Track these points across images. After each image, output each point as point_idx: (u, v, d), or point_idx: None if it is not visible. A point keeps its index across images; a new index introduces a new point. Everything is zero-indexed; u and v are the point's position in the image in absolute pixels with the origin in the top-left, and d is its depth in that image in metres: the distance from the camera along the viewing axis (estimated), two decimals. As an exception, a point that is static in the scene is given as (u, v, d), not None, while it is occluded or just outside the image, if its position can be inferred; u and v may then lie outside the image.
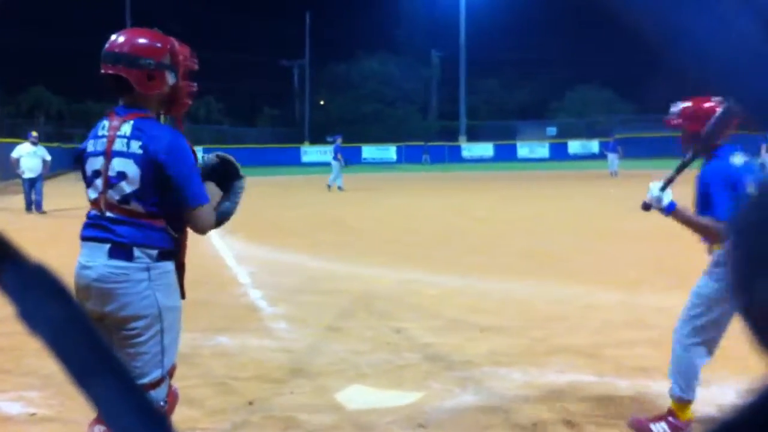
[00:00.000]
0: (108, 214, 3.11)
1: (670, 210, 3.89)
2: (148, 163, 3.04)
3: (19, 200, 19.35)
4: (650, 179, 4.16)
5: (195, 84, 3.30)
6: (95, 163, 3.16)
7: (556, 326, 6.43)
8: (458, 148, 54.74)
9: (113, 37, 3.14)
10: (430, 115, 69.42)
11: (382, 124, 63.06)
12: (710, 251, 4.02)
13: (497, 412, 4.44)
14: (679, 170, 3.89)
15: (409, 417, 4.32)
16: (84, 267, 3.09)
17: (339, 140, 26.64)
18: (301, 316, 6.93)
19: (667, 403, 4.21)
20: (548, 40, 69.24)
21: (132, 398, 0.42)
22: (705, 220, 3.81)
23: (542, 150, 55.56)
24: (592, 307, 7.05)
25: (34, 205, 17.66)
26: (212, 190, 3.29)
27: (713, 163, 3.92)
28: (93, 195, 3.17)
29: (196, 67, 3.27)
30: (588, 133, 58.74)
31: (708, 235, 3.86)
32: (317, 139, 57.84)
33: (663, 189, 3.91)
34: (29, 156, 17.84)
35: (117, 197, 3.08)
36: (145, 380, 3.13)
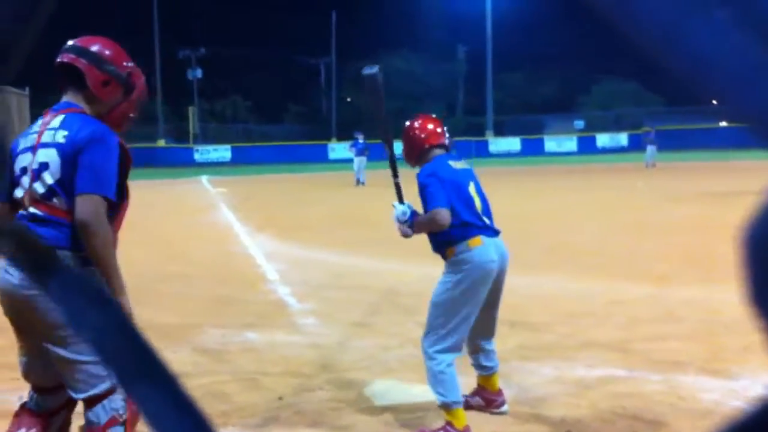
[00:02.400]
0: (32, 210, 2.94)
1: (413, 218, 4.18)
2: (69, 152, 2.92)
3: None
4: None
5: (135, 114, 3.24)
6: (23, 160, 3.01)
7: (583, 321, 6.40)
8: (485, 143, 54.45)
9: (82, 38, 3.12)
10: (457, 110, 69.13)
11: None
12: (445, 258, 4.13)
13: (526, 406, 4.45)
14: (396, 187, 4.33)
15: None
16: (6, 271, 2.90)
17: (360, 137, 26.84)
18: (328, 312, 6.98)
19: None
20: (573, 33, 68.56)
21: (175, 401, 0.43)
22: (429, 215, 4.06)
23: (570, 144, 55.11)
24: (619, 302, 7.01)
25: None
26: None
27: (423, 168, 4.27)
28: (19, 193, 2.99)
29: (145, 99, 3.24)
30: (616, 126, 58.18)
31: (433, 225, 4.05)
32: (344, 135, 57.88)
33: (401, 202, 4.26)
34: None
35: (41, 191, 2.93)
36: (93, 392, 2.97)
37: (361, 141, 26.73)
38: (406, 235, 4.29)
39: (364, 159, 26.03)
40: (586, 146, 53.60)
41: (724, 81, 0.35)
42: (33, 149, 3.00)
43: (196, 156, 51.14)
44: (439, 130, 4.40)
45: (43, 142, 2.98)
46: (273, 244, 11.77)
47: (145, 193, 24.90)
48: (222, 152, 52.23)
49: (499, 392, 4.43)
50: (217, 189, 26.23)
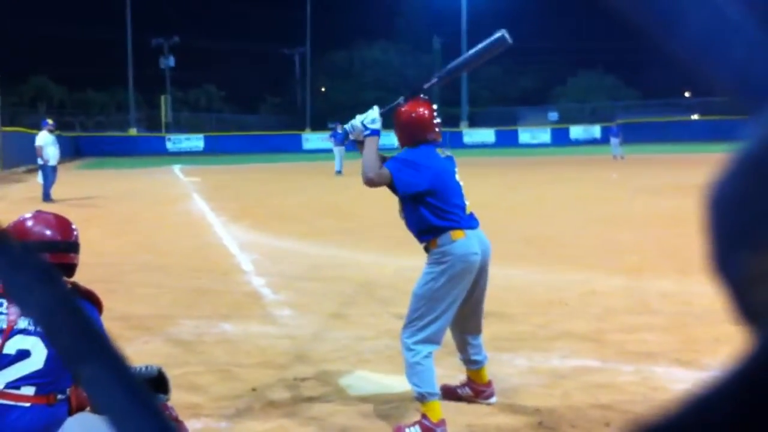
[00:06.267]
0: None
1: (375, 134, 4.07)
2: None
3: (20, 189, 19.31)
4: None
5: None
6: None
7: (558, 312, 6.43)
8: (460, 134, 54.59)
9: (45, 228, 3.02)
10: (432, 101, 69.24)
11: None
12: (428, 249, 4.07)
13: (500, 397, 4.45)
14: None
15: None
16: None
17: (339, 127, 27.02)
18: (304, 303, 6.94)
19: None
20: (550, 26, 69.00)
21: (120, 380, 0.42)
22: (379, 164, 4.01)
23: (544, 135, 55.44)
24: (593, 293, 7.05)
25: (43, 193, 17.37)
26: None
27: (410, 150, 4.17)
28: None
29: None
30: (590, 119, 58.66)
31: (369, 164, 3.96)
32: (319, 126, 57.74)
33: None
34: (52, 144, 17.90)
35: (8, 379, 2.71)
36: None
37: (339, 131, 26.81)
38: (354, 136, 4.18)
39: (343, 148, 26.05)
40: (560, 138, 53.98)
41: (720, 58, 0.35)
42: (2, 333, 2.75)
43: (169, 145, 50.74)
44: (438, 129, 4.32)
45: (22, 327, 2.74)
46: (247, 235, 11.69)
47: (118, 182, 24.69)
48: (195, 141, 51.87)
49: (489, 383, 4.43)
50: (189, 178, 26.03)
